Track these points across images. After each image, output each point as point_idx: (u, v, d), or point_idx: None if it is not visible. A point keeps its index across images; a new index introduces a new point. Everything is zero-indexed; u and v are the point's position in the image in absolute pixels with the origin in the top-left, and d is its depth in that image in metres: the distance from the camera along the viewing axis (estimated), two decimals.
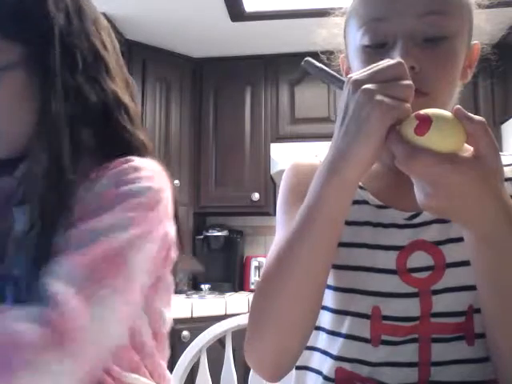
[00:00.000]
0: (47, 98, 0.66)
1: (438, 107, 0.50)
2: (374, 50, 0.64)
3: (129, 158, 0.69)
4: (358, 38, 0.66)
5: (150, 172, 0.69)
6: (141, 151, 0.73)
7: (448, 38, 0.63)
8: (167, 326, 0.83)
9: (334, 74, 0.58)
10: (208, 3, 2.32)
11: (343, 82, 0.56)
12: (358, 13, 0.67)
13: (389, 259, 0.66)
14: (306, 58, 0.60)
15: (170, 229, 0.71)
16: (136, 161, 0.68)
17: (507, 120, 2.46)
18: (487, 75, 2.45)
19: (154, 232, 0.67)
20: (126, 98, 0.74)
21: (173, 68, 2.79)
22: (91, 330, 0.56)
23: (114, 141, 0.72)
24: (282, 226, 0.72)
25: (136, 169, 0.67)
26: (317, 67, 0.59)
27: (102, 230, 0.61)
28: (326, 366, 0.69)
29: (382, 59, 0.54)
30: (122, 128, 0.73)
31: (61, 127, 0.66)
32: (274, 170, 2.73)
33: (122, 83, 0.75)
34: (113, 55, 0.75)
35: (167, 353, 0.83)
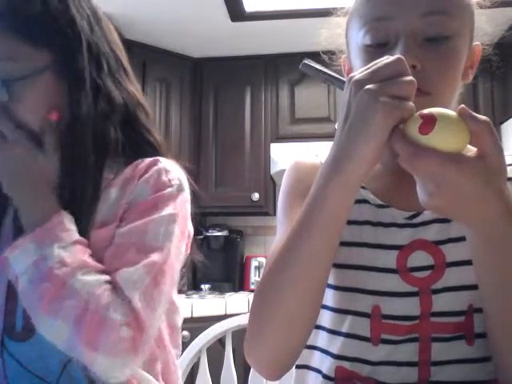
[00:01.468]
0: (76, 100, 0.72)
1: (439, 107, 0.50)
2: (376, 49, 0.64)
3: (156, 158, 0.77)
4: (359, 38, 0.66)
5: (177, 172, 0.79)
6: (159, 148, 0.81)
7: (450, 37, 0.63)
8: (181, 319, 0.84)
9: (333, 74, 0.58)
10: (208, 3, 2.32)
11: (343, 81, 0.56)
12: (360, 12, 0.67)
13: (389, 258, 0.66)
14: (304, 61, 0.59)
15: (190, 226, 0.81)
16: (163, 162, 0.77)
17: (507, 120, 2.46)
18: (487, 75, 2.45)
19: (186, 230, 0.79)
20: (142, 99, 0.80)
21: (173, 68, 2.79)
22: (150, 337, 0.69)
23: (136, 138, 0.78)
24: (282, 225, 0.73)
25: (167, 171, 0.76)
26: (315, 69, 0.59)
27: (157, 230, 0.72)
28: (326, 364, 0.69)
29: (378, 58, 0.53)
30: (142, 126, 0.79)
31: (88, 126, 0.72)
32: (274, 170, 2.73)
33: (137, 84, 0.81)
34: (126, 59, 0.81)
35: (180, 348, 0.85)
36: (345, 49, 0.75)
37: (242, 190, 2.77)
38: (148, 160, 0.77)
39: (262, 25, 2.51)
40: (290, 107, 2.82)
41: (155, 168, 0.76)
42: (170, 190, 0.76)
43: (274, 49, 2.79)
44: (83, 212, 0.71)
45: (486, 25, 0.70)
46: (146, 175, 0.75)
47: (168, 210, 0.74)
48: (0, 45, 0.68)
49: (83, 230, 0.71)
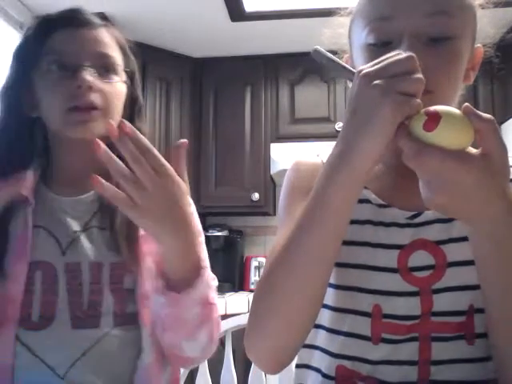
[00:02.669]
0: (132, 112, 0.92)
1: (445, 105, 0.50)
2: (379, 48, 0.64)
3: None
4: (362, 37, 0.66)
5: None
6: None
7: (452, 38, 0.63)
8: None
9: (344, 64, 0.57)
10: (208, 3, 2.32)
11: (352, 72, 0.55)
12: (364, 12, 0.67)
13: (390, 258, 0.66)
14: (315, 47, 0.59)
15: None
16: None
17: (507, 120, 2.46)
18: (487, 76, 2.45)
19: None
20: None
21: (173, 68, 2.79)
22: None
23: None
24: (283, 224, 0.72)
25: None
26: (326, 57, 0.58)
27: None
28: (326, 364, 0.69)
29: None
30: None
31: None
32: (274, 170, 2.73)
33: None
34: None
35: None
36: (347, 49, 0.75)
37: (242, 190, 2.77)
38: None
39: (262, 25, 2.51)
40: (290, 107, 2.82)
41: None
42: (193, 206, 0.89)
43: (274, 49, 2.79)
44: None
45: (487, 26, 0.71)
46: None
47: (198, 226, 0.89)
48: (112, 50, 0.88)
49: (133, 230, 0.81)
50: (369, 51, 0.65)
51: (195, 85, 2.88)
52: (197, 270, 0.73)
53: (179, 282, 0.72)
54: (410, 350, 0.65)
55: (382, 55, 0.53)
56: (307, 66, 2.71)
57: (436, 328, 0.64)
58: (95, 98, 0.81)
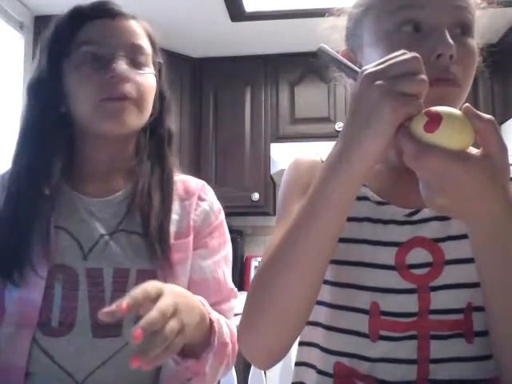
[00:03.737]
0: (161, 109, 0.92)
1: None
2: (409, 35, 0.62)
3: (202, 181, 0.93)
4: (386, 24, 0.64)
5: None
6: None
7: (472, 33, 0.63)
8: None
9: (348, 63, 0.57)
10: (208, 3, 2.33)
11: (357, 72, 0.55)
12: (386, 2, 0.65)
13: (388, 255, 0.66)
14: (321, 45, 0.58)
15: None
16: (204, 183, 0.93)
17: (507, 120, 2.46)
18: (487, 75, 2.45)
19: None
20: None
21: (173, 68, 2.78)
22: None
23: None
24: (281, 221, 0.72)
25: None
26: (331, 55, 0.58)
27: (226, 257, 0.90)
28: (325, 361, 0.69)
29: (417, 45, 0.53)
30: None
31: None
32: (274, 169, 2.74)
33: None
34: None
35: None
36: (339, 46, 0.74)
37: (242, 190, 2.77)
38: (195, 179, 0.92)
39: (262, 25, 2.51)
40: (290, 107, 2.82)
41: (210, 191, 0.91)
42: (223, 213, 0.92)
43: (274, 49, 2.79)
44: (165, 216, 0.82)
45: (486, 26, 0.71)
46: (206, 198, 0.89)
47: (228, 244, 0.91)
48: (144, 42, 0.88)
49: (166, 234, 0.80)
50: (399, 37, 0.62)
51: (195, 85, 2.88)
52: (208, 330, 0.75)
53: (194, 348, 0.72)
54: (408, 348, 0.65)
55: (411, 42, 0.52)
56: (307, 66, 2.71)
57: (434, 326, 0.64)
58: (129, 88, 0.80)
